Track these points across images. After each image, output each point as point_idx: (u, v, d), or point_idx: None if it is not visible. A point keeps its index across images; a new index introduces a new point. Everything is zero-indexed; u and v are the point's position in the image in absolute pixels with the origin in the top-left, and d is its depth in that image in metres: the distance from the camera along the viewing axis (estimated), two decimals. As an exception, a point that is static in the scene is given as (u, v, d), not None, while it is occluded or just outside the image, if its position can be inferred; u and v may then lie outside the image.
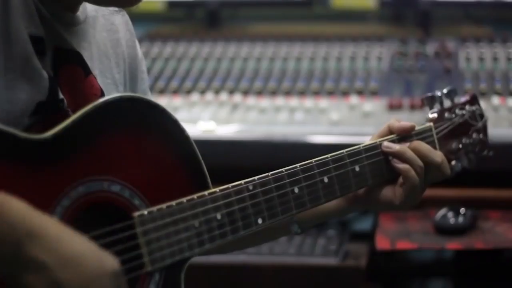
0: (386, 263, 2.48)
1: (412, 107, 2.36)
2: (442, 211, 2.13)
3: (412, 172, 1.32)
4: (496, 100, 2.33)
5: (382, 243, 2.05)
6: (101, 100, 1.11)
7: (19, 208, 0.96)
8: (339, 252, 2.14)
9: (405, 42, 2.66)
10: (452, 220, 2.11)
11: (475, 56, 2.56)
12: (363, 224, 2.50)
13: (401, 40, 2.68)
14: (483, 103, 1.55)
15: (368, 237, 2.26)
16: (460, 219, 2.11)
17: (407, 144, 1.35)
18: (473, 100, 1.51)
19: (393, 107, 2.36)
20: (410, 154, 1.33)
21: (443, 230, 2.11)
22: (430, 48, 2.62)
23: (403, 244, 2.05)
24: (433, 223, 2.12)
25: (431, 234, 2.11)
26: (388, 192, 1.35)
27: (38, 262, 0.94)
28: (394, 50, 2.62)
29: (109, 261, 0.99)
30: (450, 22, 2.85)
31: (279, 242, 2.16)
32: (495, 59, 2.53)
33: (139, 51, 1.40)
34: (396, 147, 1.34)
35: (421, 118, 2.30)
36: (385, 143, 1.35)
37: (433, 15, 2.82)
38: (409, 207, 1.38)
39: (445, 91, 1.47)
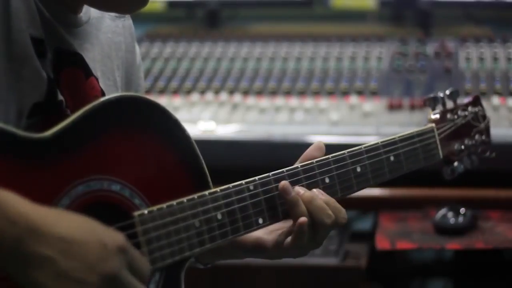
0: (386, 263, 2.47)
1: (412, 107, 2.36)
2: (442, 211, 2.13)
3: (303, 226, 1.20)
4: (496, 100, 2.33)
5: (382, 243, 2.05)
6: (101, 99, 1.10)
7: (18, 203, 0.96)
8: (339, 252, 2.14)
9: (405, 42, 2.66)
10: (452, 220, 2.11)
11: (475, 56, 2.56)
12: (363, 224, 2.50)
13: (401, 40, 2.67)
14: (483, 103, 1.54)
15: (368, 237, 2.26)
16: (460, 219, 2.11)
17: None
18: (476, 101, 1.51)
19: (393, 107, 2.36)
20: (302, 209, 1.21)
21: (443, 230, 2.10)
22: (430, 48, 2.62)
23: (403, 244, 2.05)
24: (433, 223, 2.12)
25: (431, 234, 2.11)
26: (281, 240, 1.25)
27: (41, 256, 0.94)
28: (394, 50, 2.62)
29: (111, 238, 0.99)
30: (450, 22, 2.85)
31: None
32: (495, 59, 2.53)
33: (138, 57, 1.39)
34: (291, 194, 1.21)
35: (421, 118, 2.31)
36: (284, 183, 1.21)
37: (433, 15, 2.82)
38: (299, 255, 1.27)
39: (447, 92, 1.46)
